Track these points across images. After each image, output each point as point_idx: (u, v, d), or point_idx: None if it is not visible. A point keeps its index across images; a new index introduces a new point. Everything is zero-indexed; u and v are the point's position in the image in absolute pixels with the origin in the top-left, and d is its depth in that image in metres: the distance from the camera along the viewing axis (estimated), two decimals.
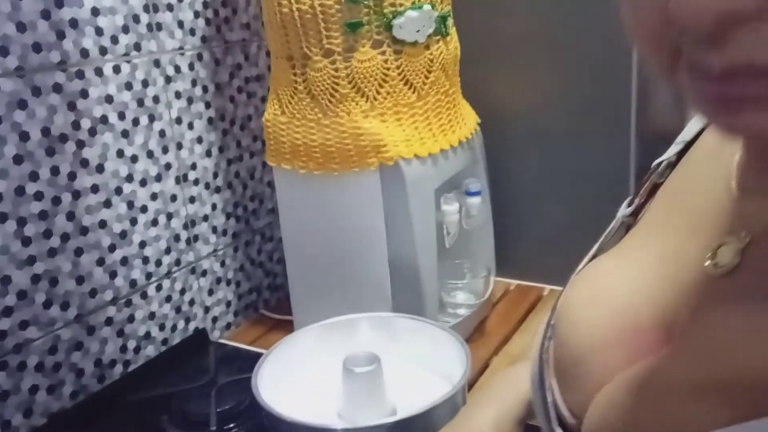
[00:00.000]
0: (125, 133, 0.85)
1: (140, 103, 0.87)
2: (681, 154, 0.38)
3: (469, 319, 0.95)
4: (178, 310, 0.95)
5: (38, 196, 0.76)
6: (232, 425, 0.75)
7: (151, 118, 0.88)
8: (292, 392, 0.71)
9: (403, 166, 0.81)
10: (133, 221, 0.88)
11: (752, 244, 0.28)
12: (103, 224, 0.83)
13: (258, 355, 0.73)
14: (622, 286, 0.35)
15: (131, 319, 0.88)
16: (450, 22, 0.86)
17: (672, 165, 0.39)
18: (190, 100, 0.94)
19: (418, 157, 0.82)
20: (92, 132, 0.81)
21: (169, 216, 0.93)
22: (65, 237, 0.79)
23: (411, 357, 0.75)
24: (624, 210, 0.41)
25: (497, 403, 0.56)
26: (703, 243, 0.31)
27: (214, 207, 1.00)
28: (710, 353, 0.27)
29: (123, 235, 0.86)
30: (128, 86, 0.85)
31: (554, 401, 0.35)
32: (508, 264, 1.08)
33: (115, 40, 0.83)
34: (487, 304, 0.99)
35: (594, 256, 0.41)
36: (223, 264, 1.03)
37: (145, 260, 0.90)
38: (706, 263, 0.30)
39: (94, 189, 0.82)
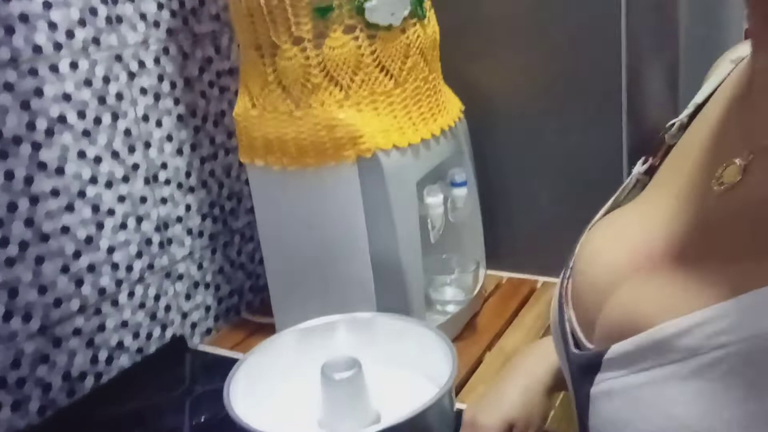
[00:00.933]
0: (86, 133, 0.80)
1: (102, 100, 0.82)
2: (692, 117, 0.40)
3: (459, 316, 0.91)
4: (153, 317, 0.91)
5: None
6: None
7: (115, 117, 0.84)
8: (269, 403, 0.67)
9: (381, 158, 0.76)
10: (100, 225, 0.83)
11: (755, 159, 0.31)
12: (65, 230, 0.79)
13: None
14: (638, 225, 0.37)
15: (102, 328, 0.84)
16: (427, 3, 0.81)
17: (684, 127, 0.40)
18: (156, 97, 0.89)
19: (398, 147, 0.78)
20: (49, 132, 0.76)
21: (139, 219, 0.88)
22: (24, 245, 0.74)
23: (394, 359, 0.70)
24: (639, 168, 0.43)
25: (526, 374, 0.58)
26: (712, 173, 0.33)
27: (188, 208, 0.95)
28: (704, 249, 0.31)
29: (88, 240, 0.82)
30: (88, 83, 0.80)
31: (572, 330, 0.38)
32: (498, 257, 1.04)
33: (70, 34, 0.78)
34: (477, 299, 0.95)
35: (608, 212, 0.43)
36: (200, 267, 0.98)
37: (115, 266, 0.85)
38: (712, 183, 0.32)
39: (55, 193, 0.77)
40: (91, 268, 0.82)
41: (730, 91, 0.36)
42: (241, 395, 0.64)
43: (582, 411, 0.35)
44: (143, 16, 0.86)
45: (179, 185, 0.94)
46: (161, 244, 0.92)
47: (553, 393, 0.58)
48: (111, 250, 0.84)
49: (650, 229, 0.36)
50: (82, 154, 0.80)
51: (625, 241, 0.37)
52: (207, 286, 0.99)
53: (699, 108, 0.39)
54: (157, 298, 0.91)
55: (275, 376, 0.70)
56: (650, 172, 0.42)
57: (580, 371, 0.36)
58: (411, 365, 0.70)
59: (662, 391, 0.29)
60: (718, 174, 0.32)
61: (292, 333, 0.72)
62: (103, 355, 0.84)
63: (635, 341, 0.31)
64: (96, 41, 0.81)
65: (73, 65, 0.78)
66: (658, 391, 0.29)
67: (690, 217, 0.34)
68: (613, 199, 0.43)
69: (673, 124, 0.41)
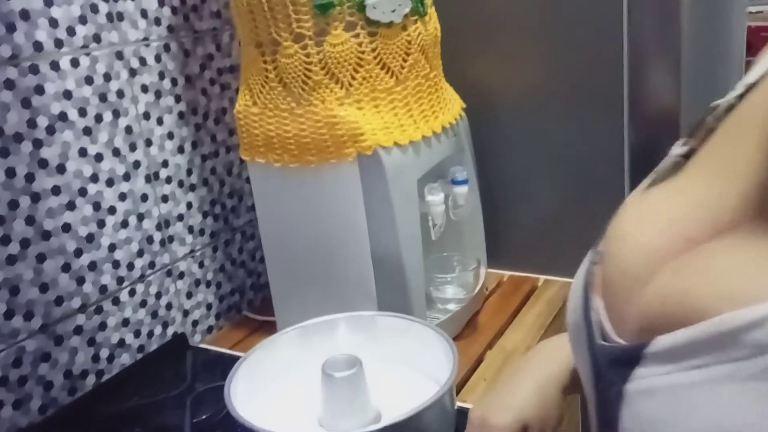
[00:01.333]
0: (87, 131, 0.80)
1: (103, 98, 0.82)
2: (741, 98, 0.37)
3: (460, 314, 0.91)
4: (154, 315, 0.91)
5: None
6: None
7: (116, 114, 0.84)
8: (269, 401, 0.67)
9: (382, 155, 0.76)
10: (101, 223, 0.83)
11: None
12: (66, 228, 0.79)
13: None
14: (674, 206, 0.35)
15: (103, 326, 0.84)
16: (428, 0, 0.81)
17: (731, 109, 0.37)
18: (158, 94, 0.89)
19: (399, 145, 0.78)
20: (50, 130, 0.76)
21: (140, 217, 0.88)
22: (25, 243, 0.74)
23: (395, 357, 0.70)
24: (678, 149, 0.39)
25: (539, 373, 0.55)
26: (761, 153, 0.30)
27: (189, 206, 0.95)
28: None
29: (90, 238, 0.82)
30: (89, 80, 0.80)
31: (598, 320, 0.35)
32: (500, 254, 1.04)
33: (71, 31, 0.78)
34: (478, 297, 0.95)
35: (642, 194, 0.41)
36: (201, 265, 0.98)
37: (116, 264, 0.85)
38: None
39: (56, 191, 0.77)
40: (93, 266, 0.82)
41: None
42: (242, 393, 0.64)
43: (606, 410, 0.32)
44: (144, 13, 0.86)
45: (180, 183, 0.94)
46: (162, 242, 0.92)
47: (569, 393, 0.55)
48: (112, 248, 0.84)
49: (689, 209, 0.33)
50: (83, 152, 0.80)
51: (659, 222, 0.34)
52: (208, 284, 0.99)
53: (749, 89, 0.36)
54: (158, 296, 0.91)
55: (276, 374, 0.70)
56: (689, 155, 0.39)
57: (611, 365, 0.32)
58: (412, 364, 0.70)
59: (717, 393, 0.25)
60: None
61: (293, 331, 0.72)
62: (104, 354, 0.84)
63: (688, 333, 0.27)
64: (97, 38, 0.81)
65: (74, 62, 0.78)
66: (712, 392, 0.26)
67: (741, 195, 0.31)
68: (647, 180, 0.40)
69: (718, 105, 0.38)
